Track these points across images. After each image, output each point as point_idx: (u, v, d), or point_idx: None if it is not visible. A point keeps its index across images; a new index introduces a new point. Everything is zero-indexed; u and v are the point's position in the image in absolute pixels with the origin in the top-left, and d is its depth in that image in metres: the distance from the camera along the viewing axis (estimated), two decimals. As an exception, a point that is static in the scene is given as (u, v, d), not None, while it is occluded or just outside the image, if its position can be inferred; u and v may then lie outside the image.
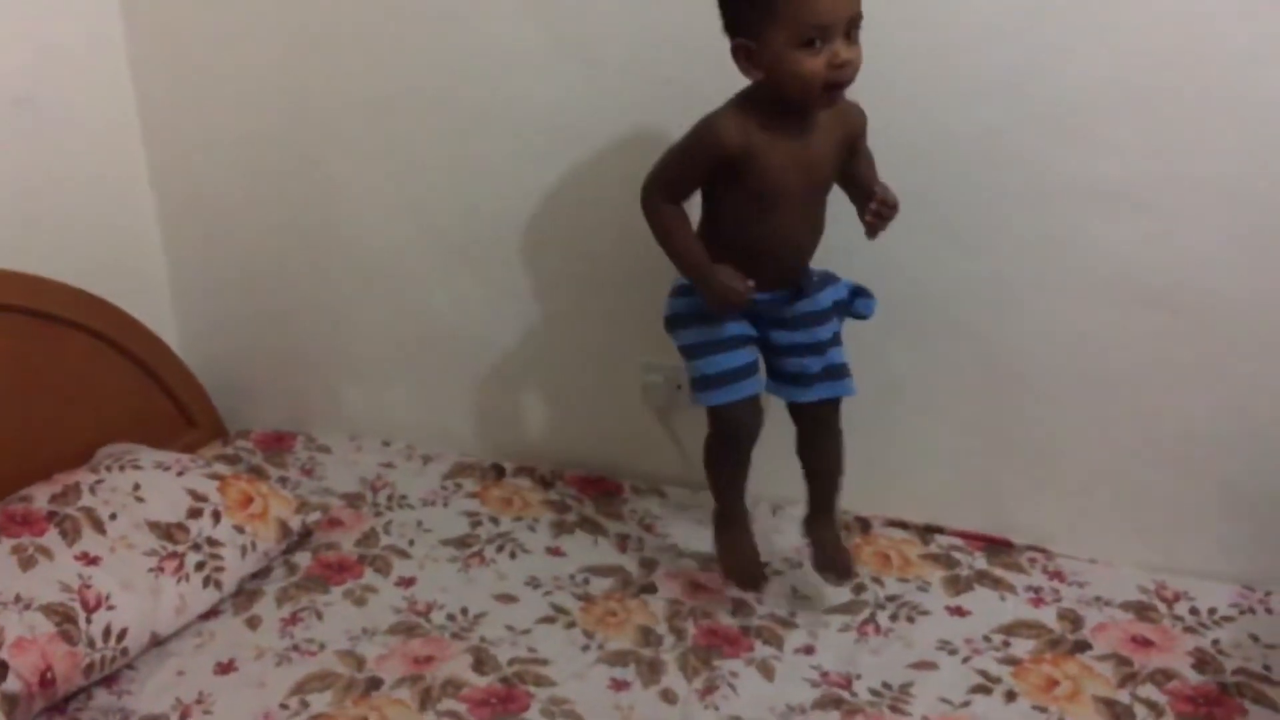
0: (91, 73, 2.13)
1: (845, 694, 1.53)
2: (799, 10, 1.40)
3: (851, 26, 1.43)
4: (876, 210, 1.53)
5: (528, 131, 1.96)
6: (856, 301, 1.65)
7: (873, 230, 1.55)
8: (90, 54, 2.12)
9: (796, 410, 1.69)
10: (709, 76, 1.74)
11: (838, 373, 1.65)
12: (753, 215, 1.55)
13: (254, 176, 2.20)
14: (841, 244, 1.64)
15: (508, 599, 1.76)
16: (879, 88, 1.72)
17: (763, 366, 1.65)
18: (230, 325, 2.34)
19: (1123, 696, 1.52)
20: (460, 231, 2.09)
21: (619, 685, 1.56)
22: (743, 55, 1.48)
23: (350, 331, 2.25)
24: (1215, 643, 1.62)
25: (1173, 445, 1.77)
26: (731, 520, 1.71)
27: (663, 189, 1.58)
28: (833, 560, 1.68)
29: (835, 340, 1.64)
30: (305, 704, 1.52)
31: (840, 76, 1.44)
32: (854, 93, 1.73)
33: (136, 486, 1.78)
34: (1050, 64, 1.64)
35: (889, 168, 1.74)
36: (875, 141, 1.75)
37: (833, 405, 1.67)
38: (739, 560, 1.70)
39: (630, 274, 1.99)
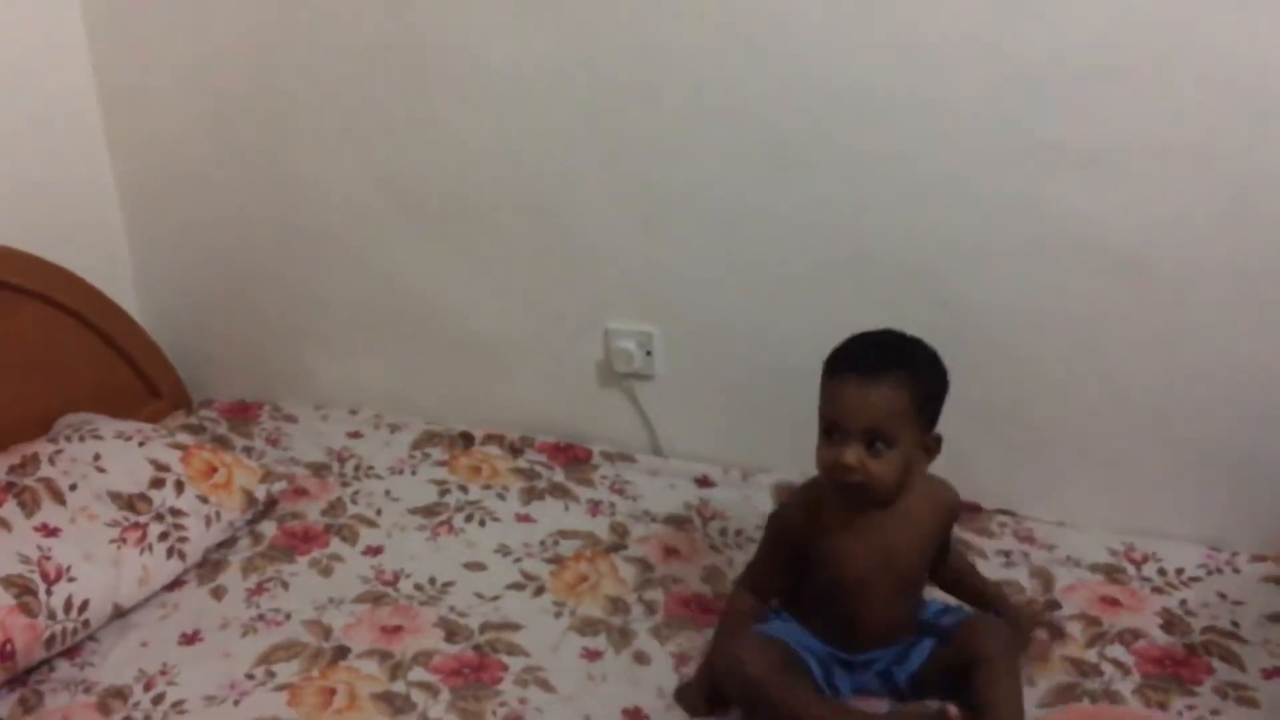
0: (47, 38, 2.08)
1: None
2: (822, 396, 1.38)
3: (872, 436, 1.33)
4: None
5: (493, 96, 1.93)
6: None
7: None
8: (46, 18, 2.07)
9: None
10: (674, 37, 1.72)
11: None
12: (834, 600, 1.44)
13: (216, 143, 2.15)
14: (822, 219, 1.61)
15: (477, 567, 1.75)
16: (852, 51, 1.71)
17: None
18: (193, 294, 2.31)
19: (1090, 656, 1.53)
20: (426, 198, 2.06)
21: (591, 655, 1.55)
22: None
23: (315, 300, 2.22)
24: (1183, 603, 1.64)
25: (1140, 409, 1.77)
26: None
27: (747, 576, 1.54)
28: None
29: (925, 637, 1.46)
30: (271, 674, 1.50)
31: (837, 476, 1.35)
32: (831, 62, 1.72)
33: (97, 457, 1.75)
34: (1024, 28, 1.62)
35: (862, 131, 1.74)
36: (849, 106, 1.74)
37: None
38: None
39: (598, 240, 1.97)
